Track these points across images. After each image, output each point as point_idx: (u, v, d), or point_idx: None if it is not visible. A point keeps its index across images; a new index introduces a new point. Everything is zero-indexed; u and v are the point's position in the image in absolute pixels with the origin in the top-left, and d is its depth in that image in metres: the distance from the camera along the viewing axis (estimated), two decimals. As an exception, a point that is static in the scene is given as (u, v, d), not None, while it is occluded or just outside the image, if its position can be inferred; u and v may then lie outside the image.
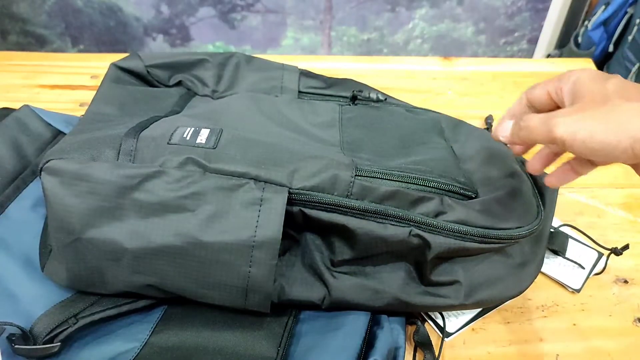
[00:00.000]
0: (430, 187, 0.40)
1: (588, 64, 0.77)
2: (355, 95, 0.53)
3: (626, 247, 0.48)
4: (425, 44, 1.53)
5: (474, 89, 0.72)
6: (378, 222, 0.38)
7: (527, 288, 0.42)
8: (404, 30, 1.49)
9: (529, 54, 1.55)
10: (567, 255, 0.49)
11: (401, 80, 0.73)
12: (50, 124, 0.52)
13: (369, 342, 0.39)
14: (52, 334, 0.36)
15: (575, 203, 0.56)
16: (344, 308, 0.40)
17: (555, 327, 0.46)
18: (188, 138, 0.39)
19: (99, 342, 0.38)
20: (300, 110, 0.49)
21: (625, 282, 0.49)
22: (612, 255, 0.49)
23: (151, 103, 0.48)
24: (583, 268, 0.49)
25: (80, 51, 1.48)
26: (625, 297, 0.48)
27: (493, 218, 0.39)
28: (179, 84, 0.53)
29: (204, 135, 0.39)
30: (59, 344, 0.36)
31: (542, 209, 0.43)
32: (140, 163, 0.37)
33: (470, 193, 0.41)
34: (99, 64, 0.72)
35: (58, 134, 0.52)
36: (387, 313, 0.41)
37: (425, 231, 0.38)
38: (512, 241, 0.40)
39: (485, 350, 0.44)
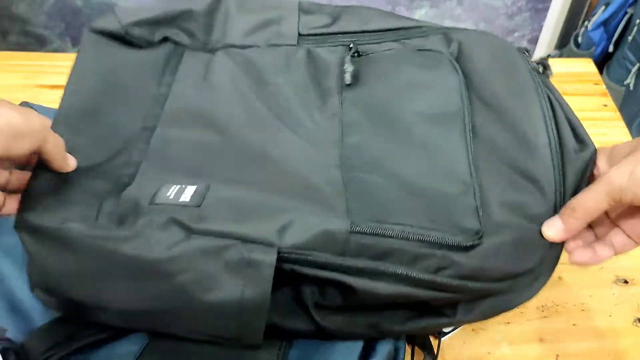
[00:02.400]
0: (430, 242, 0.36)
1: (588, 64, 0.77)
2: (358, 51, 0.46)
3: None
4: (425, 44, 1.53)
5: (474, 89, 0.72)
6: (374, 279, 0.35)
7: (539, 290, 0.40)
8: (404, 30, 1.49)
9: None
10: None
11: (401, 80, 0.73)
12: None
13: (369, 344, 0.39)
14: (47, 354, 0.35)
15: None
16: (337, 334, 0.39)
17: (555, 327, 0.46)
18: (171, 197, 0.36)
19: (97, 347, 0.38)
20: (295, 89, 0.44)
21: (625, 282, 0.49)
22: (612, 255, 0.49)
23: (129, 96, 0.43)
24: None
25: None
26: (625, 297, 0.48)
27: (497, 269, 0.36)
28: (164, 40, 0.47)
29: (188, 193, 0.36)
30: None
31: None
32: (120, 224, 0.35)
33: (473, 242, 0.36)
34: (99, 64, 0.72)
35: None
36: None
37: (424, 288, 0.35)
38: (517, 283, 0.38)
39: (485, 350, 0.44)
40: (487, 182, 0.39)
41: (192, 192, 0.36)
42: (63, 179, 0.36)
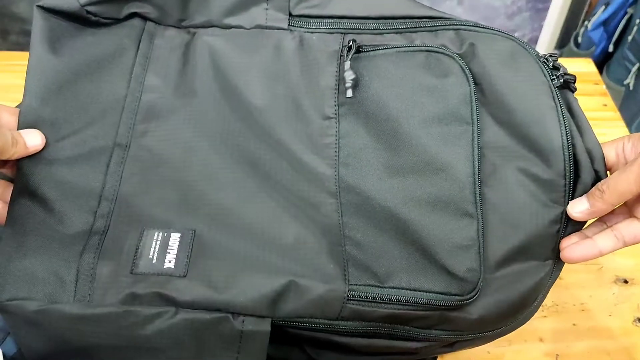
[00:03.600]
0: (427, 304, 0.34)
1: (588, 64, 0.77)
2: (359, 47, 0.40)
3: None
4: (425, 44, 1.53)
5: (474, 89, 0.72)
6: (370, 337, 0.35)
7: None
8: (404, 30, 1.49)
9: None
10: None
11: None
12: None
13: None
14: None
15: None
16: None
17: (555, 327, 0.46)
18: (155, 261, 0.33)
19: None
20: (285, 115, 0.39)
21: (625, 282, 0.49)
22: (612, 255, 0.49)
23: (94, 94, 0.38)
24: None
25: (80, 51, 1.48)
26: (625, 297, 0.48)
27: (490, 323, 0.36)
28: (132, 15, 0.40)
29: (172, 252, 0.33)
30: None
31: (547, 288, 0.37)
32: (102, 291, 0.32)
33: (470, 299, 0.35)
34: (99, 64, 0.72)
35: None
36: None
37: (418, 341, 0.36)
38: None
39: (485, 350, 0.44)
40: (491, 217, 0.36)
41: (176, 249, 0.33)
42: (35, 243, 0.33)
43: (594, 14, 1.30)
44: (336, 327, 0.34)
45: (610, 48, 1.30)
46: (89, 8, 0.38)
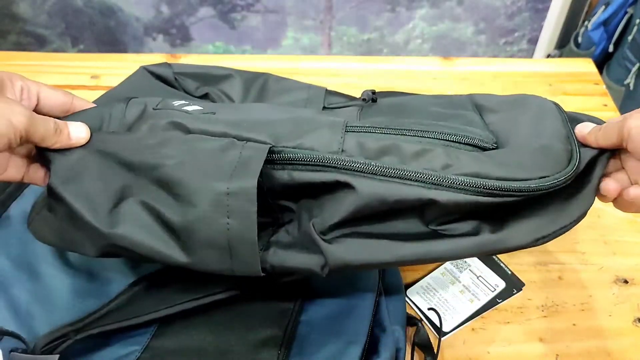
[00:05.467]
0: (432, 137, 0.35)
1: (588, 64, 0.77)
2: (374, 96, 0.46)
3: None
4: (425, 44, 1.52)
5: (474, 89, 0.72)
6: (373, 179, 0.33)
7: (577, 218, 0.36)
8: (404, 30, 1.49)
9: (529, 54, 1.55)
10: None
11: (401, 80, 0.73)
12: None
13: (371, 345, 0.39)
14: (50, 345, 0.36)
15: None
16: (348, 271, 0.38)
17: (555, 327, 0.46)
18: (176, 105, 0.38)
19: (99, 347, 0.38)
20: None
21: (625, 282, 0.49)
22: (612, 255, 0.49)
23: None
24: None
25: (80, 51, 1.48)
26: (625, 297, 0.48)
27: (513, 168, 0.33)
28: (205, 96, 0.51)
29: (192, 107, 0.38)
30: (57, 355, 0.35)
31: (579, 153, 0.35)
32: (127, 124, 0.37)
33: (483, 144, 0.35)
34: (99, 63, 0.72)
35: None
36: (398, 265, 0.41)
37: (427, 187, 0.33)
38: (538, 193, 0.33)
39: (485, 350, 0.44)
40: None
41: (198, 108, 0.38)
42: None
43: (594, 14, 1.30)
44: (336, 161, 0.34)
45: (610, 48, 1.30)
46: (178, 77, 0.51)
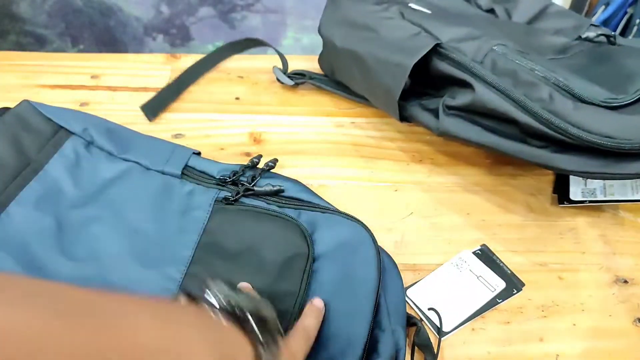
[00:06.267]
0: (546, 79, 0.47)
1: (588, 64, 0.77)
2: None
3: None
4: (425, 44, 1.52)
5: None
6: (490, 89, 0.47)
7: None
8: (404, 30, 1.49)
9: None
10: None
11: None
12: (50, 119, 0.51)
13: (371, 345, 0.39)
14: None
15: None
16: (456, 139, 0.52)
17: (555, 327, 0.46)
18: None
19: None
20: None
21: (625, 282, 0.49)
22: (612, 255, 0.49)
23: None
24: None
25: (80, 51, 1.48)
26: (625, 297, 0.48)
27: (596, 122, 0.43)
28: (491, 10, 0.62)
29: (417, 7, 0.59)
30: None
31: None
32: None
33: (587, 100, 0.45)
34: (99, 63, 0.72)
35: (59, 129, 0.51)
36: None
37: (515, 107, 0.46)
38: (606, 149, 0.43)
39: (485, 350, 0.44)
40: None
41: (425, 10, 0.59)
42: None
43: (594, 14, 1.30)
44: (473, 69, 0.49)
45: (610, 48, 1.30)
46: None
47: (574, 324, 0.46)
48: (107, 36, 1.46)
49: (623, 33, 1.27)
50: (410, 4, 0.59)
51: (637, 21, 1.19)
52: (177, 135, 0.61)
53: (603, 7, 1.28)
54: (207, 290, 0.31)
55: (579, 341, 0.45)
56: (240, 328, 0.30)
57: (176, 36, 1.48)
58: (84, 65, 0.72)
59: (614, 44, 0.55)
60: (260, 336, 0.30)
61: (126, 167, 0.49)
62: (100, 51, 1.48)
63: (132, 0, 1.40)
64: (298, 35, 1.47)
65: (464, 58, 0.50)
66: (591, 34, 0.56)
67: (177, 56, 0.74)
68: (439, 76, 0.53)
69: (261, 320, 0.31)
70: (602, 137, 0.42)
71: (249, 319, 0.30)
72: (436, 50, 0.51)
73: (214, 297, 0.30)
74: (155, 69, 0.71)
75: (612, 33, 0.55)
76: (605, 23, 1.29)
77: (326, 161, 0.59)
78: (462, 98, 0.50)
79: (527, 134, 0.47)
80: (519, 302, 0.47)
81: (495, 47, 0.50)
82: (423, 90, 0.56)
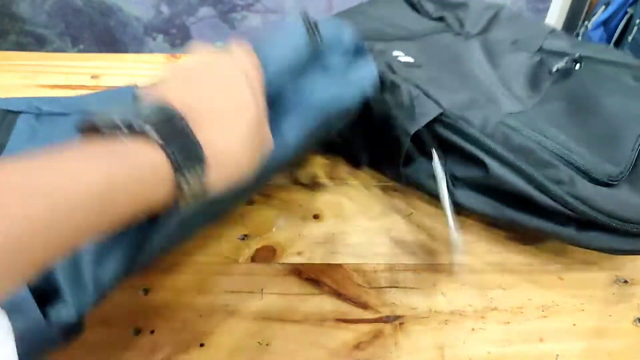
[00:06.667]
0: (563, 159, 0.43)
1: (588, 64, 0.76)
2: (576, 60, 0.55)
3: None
4: (425, 44, 1.52)
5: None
6: (503, 166, 0.44)
7: None
8: (404, 30, 1.49)
9: None
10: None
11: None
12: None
13: None
14: None
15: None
16: (467, 211, 0.50)
17: (555, 327, 0.46)
18: (393, 54, 0.54)
19: None
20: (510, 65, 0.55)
21: (625, 282, 0.49)
22: (613, 255, 0.49)
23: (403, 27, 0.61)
24: None
25: (80, 51, 1.49)
26: (625, 297, 0.48)
27: (620, 206, 0.42)
28: (440, 19, 0.63)
29: (405, 59, 0.53)
30: None
31: None
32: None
33: (603, 179, 0.42)
34: (99, 63, 0.72)
35: (7, 113, 0.53)
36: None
37: (538, 190, 0.43)
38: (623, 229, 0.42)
39: (485, 350, 0.44)
40: None
41: (410, 60, 0.54)
42: None
43: (594, 14, 1.30)
44: (482, 142, 0.45)
45: (611, 48, 1.30)
46: (421, 0, 0.68)
47: (574, 324, 0.46)
48: (107, 36, 1.46)
49: (623, 33, 1.27)
50: (397, 56, 0.54)
51: (637, 21, 1.19)
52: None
53: (603, 7, 1.28)
54: (104, 118, 0.30)
55: (579, 341, 0.45)
56: (146, 141, 0.29)
57: (176, 36, 1.48)
58: (83, 65, 0.72)
59: (579, 62, 0.54)
60: (161, 142, 0.29)
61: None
62: (100, 51, 1.49)
63: (132, 0, 1.40)
64: (298, 35, 1.47)
65: (472, 130, 0.46)
66: (561, 64, 0.54)
67: (177, 56, 0.74)
68: (442, 142, 0.49)
69: (165, 125, 0.30)
70: (623, 222, 0.42)
71: (146, 131, 0.29)
72: (438, 119, 0.47)
73: (118, 122, 0.29)
74: (155, 69, 0.71)
75: (577, 55, 0.54)
76: (605, 23, 1.29)
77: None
78: (472, 171, 0.47)
79: (548, 212, 0.45)
80: (519, 302, 0.47)
81: (504, 119, 0.46)
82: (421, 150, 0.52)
